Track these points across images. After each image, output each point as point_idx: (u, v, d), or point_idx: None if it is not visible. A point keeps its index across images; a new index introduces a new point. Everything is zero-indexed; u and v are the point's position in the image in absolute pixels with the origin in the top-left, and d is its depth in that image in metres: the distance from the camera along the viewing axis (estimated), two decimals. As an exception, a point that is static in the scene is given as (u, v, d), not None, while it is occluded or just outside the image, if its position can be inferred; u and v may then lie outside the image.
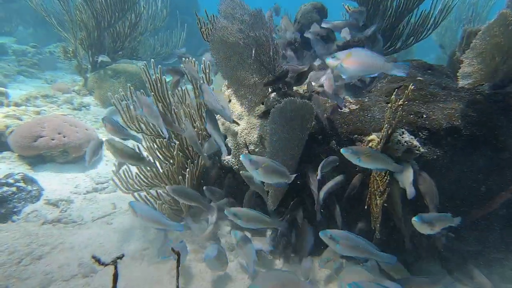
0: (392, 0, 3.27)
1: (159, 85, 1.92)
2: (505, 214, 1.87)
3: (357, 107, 1.99)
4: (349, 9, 3.39)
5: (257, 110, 2.10)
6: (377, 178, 1.61)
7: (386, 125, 1.64)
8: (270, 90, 2.10)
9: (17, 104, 3.79)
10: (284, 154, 1.77)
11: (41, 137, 2.77)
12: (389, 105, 1.62)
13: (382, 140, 1.66)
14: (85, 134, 3.05)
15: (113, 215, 2.11)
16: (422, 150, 1.70)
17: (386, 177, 1.61)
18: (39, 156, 2.82)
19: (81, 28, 4.97)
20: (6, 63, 6.97)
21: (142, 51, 6.75)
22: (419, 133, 1.75)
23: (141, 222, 1.73)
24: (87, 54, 5.22)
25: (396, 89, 2.02)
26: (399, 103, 1.62)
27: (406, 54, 7.39)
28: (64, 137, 2.87)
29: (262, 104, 2.14)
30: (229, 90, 2.15)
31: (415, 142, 1.69)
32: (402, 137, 1.66)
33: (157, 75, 1.91)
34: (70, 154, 2.91)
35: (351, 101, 2.05)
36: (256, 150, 2.04)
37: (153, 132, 1.99)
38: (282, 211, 2.02)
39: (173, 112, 2.05)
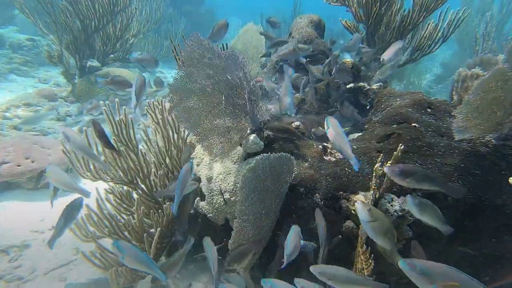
0: (394, 15, 3.00)
1: (123, 128, 1.69)
2: None
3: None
4: (347, 24, 3.12)
5: (234, 154, 1.87)
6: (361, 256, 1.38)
7: (372, 190, 1.41)
8: (248, 131, 1.86)
9: (-9, 120, 3.59)
10: (257, 217, 1.54)
11: (5, 163, 2.57)
12: (374, 169, 1.38)
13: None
14: (59, 157, 2.85)
15: (72, 264, 1.90)
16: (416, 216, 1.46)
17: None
18: (5, 182, 2.63)
19: (66, 32, 4.73)
20: (-3, 61, 6.76)
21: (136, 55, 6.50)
22: (413, 193, 1.52)
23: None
24: (74, 58, 4.99)
25: (388, 136, 1.78)
26: (387, 165, 1.39)
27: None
28: (33, 162, 2.67)
29: (240, 145, 1.91)
30: (194, 138, 1.92)
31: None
32: (391, 205, 1.43)
33: (121, 117, 1.68)
34: (39, 181, 2.71)
35: (339, 147, 1.82)
36: (232, 199, 1.82)
37: (114, 178, 1.77)
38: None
39: (139, 154, 1.83)
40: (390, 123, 1.91)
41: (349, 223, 1.55)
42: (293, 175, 1.69)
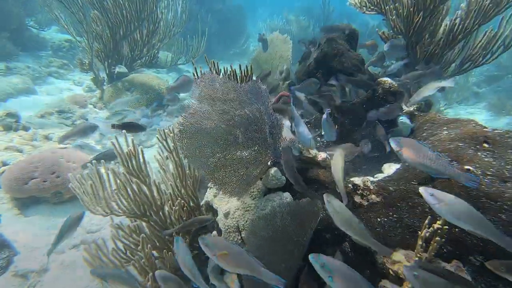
0: (440, 25, 2.65)
1: (133, 161, 1.59)
2: None
3: (379, 199, 1.52)
4: (384, 35, 2.82)
5: (253, 188, 1.70)
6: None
7: (416, 255, 1.17)
8: (269, 163, 1.68)
9: (25, 128, 3.71)
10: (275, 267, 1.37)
11: (33, 178, 2.60)
12: (420, 233, 1.15)
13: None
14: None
15: (89, 291, 1.86)
16: None
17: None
18: (33, 197, 2.67)
19: (97, 40, 4.80)
20: (39, 65, 7.08)
21: (163, 58, 6.52)
22: (470, 257, 1.25)
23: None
24: (103, 65, 5.08)
25: (433, 179, 1.51)
26: (434, 227, 1.15)
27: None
28: (58, 177, 2.68)
29: (261, 179, 1.74)
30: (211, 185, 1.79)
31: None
32: None
33: (130, 148, 1.58)
34: (64, 195, 2.72)
35: (371, 187, 1.58)
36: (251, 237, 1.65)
37: (126, 211, 1.67)
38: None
39: (152, 185, 1.72)
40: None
41: (386, 284, 1.33)
42: (319, 219, 1.49)
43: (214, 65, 2.10)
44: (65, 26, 5.09)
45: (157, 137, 1.71)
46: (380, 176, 1.90)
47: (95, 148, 3.36)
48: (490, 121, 6.12)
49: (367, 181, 1.62)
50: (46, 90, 6.43)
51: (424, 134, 1.97)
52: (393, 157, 2.24)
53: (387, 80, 2.26)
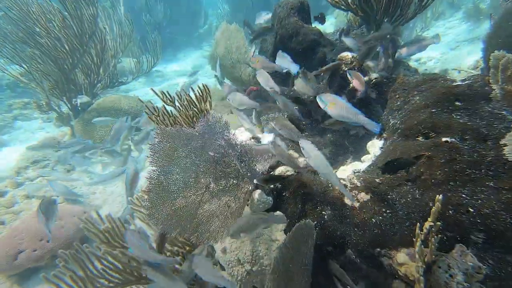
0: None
1: (113, 232, 1.50)
2: None
3: (368, 196, 1.47)
4: (333, 1, 2.62)
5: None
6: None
7: (417, 255, 1.14)
8: (250, 188, 1.61)
9: (1, 194, 3.56)
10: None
11: (21, 252, 2.52)
12: (415, 239, 1.10)
13: (420, 274, 1.16)
14: (73, 225, 2.78)
15: None
16: (484, 271, 1.17)
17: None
18: (28, 269, 2.61)
19: (45, 77, 4.50)
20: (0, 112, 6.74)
21: (127, 66, 6.19)
22: (471, 237, 1.23)
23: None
24: (62, 101, 4.81)
25: (416, 158, 1.45)
26: (427, 226, 1.10)
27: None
28: (48, 241, 2.60)
29: (247, 206, 1.68)
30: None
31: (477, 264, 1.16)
32: (451, 276, 1.14)
33: (106, 225, 1.49)
34: (64, 257, 2.66)
35: (358, 184, 1.52)
36: (254, 269, 1.63)
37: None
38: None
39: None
40: (414, 135, 1.57)
41: (399, 285, 1.31)
42: (314, 236, 1.45)
43: (165, 95, 1.95)
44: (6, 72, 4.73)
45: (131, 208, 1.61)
46: (365, 163, 1.84)
47: (78, 197, 3.27)
48: (472, 31, 5.76)
49: (353, 178, 1.57)
50: (17, 137, 6.17)
51: (398, 103, 1.89)
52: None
53: (347, 54, 2.13)
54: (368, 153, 1.96)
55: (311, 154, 1.35)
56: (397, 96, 1.90)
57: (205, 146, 1.31)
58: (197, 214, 1.32)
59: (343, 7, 2.59)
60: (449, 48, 5.34)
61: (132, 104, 5.12)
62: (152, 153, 1.26)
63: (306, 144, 1.34)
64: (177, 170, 1.28)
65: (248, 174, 1.54)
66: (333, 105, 1.49)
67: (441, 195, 1.09)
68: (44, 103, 4.67)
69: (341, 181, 1.58)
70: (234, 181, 1.46)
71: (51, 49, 4.20)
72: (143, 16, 10.54)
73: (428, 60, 5.07)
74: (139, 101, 5.37)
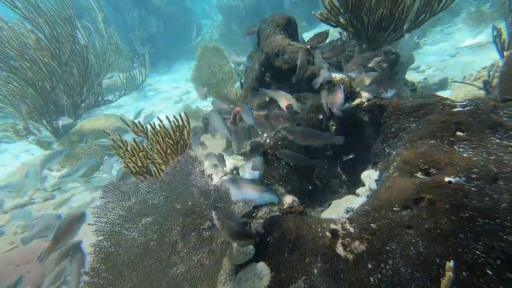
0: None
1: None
2: None
3: (364, 246, 1.27)
4: (322, 17, 2.48)
5: (220, 274, 1.43)
6: None
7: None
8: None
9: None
10: None
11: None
12: None
13: None
14: (40, 269, 2.53)
15: None
16: None
17: None
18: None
19: (22, 101, 4.29)
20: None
21: (119, 80, 6.01)
22: None
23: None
24: (42, 124, 4.59)
25: (416, 201, 1.26)
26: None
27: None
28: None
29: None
30: None
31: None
32: None
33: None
34: (35, 302, 2.41)
35: (351, 230, 1.32)
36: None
37: None
38: None
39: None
40: (412, 170, 1.38)
41: None
42: None
43: (135, 125, 1.75)
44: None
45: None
46: (359, 198, 1.65)
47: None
48: (474, 37, 5.42)
49: (345, 223, 1.37)
50: (2, 162, 5.91)
51: (393, 129, 1.71)
52: (367, 155, 1.99)
53: (336, 76, 1.96)
54: (363, 184, 1.77)
55: None
56: (392, 122, 1.73)
57: (171, 198, 1.11)
58: (162, 286, 1.10)
59: (332, 23, 2.44)
60: (448, 55, 5.11)
61: (107, 123, 4.90)
62: (96, 218, 1.05)
63: None
64: (134, 234, 1.07)
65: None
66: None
67: (452, 261, 0.89)
68: (21, 127, 4.44)
69: (332, 225, 1.39)
70: (207, 233, 1.25)
71: (26, 71, 4.00)
72: (136, 29, 10.44)
73: (427, 68, 4.84)
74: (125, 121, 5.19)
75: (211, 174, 1.31)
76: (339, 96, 1.83)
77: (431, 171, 1.32)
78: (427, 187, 1.25)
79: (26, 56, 3.88)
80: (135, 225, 1.08)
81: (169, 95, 8.54)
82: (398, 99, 1.80)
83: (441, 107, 1.57)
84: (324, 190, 1.97)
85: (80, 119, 5.06)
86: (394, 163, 1.49)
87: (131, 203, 1.07)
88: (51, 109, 4.61)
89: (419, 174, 1.35)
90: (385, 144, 1.73)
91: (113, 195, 1.07)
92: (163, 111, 7.58)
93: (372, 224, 1.31)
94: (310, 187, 1.91)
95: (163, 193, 1.11)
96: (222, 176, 1.72)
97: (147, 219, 1.08)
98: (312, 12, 2.48)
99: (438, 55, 5.21)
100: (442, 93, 3.77)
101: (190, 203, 1.14)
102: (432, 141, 1.41)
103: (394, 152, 1.56)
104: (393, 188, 1.37)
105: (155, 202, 1.08)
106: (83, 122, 4.92)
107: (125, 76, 6.03)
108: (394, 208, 1.31)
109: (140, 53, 6.82)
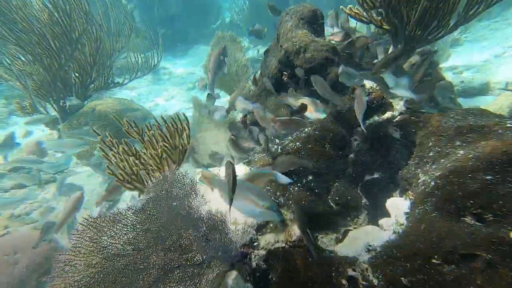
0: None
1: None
2: None
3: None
4: (352, 12, 2.15)
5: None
6: None
7: None
8: (223, 269, 1.16)
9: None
10: None
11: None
12: None
13: None
14: (30, 261, 2.38)
15: None
16: None
17: None
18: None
19: (28, 76, 4.13)
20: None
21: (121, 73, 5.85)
22: None
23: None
24: (48, 103, 4.45)
25: (465, 257, 0.98)
26: None
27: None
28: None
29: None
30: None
31: None
32: None
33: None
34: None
35: (374, 281, 1.06)
36: None
37: None
38: None
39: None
40: (458, 212, 1.10)
41: None
42: None
43: (130, 125, 1.52)
44: None
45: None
46: (384, 233, 1.38)
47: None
48: None
49: (367, 270, 1.11)
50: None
51: (432, 154, 1.42)
52: (394, 178, 1.71)
53: (364, 83, 1.66)
54: (388, 214, 1.49)
55: None
56: (431, 144, 1.43)
57: (150, 230, 0.87)
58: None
59: (364, 19, 2.12)
60: (493, 55, 4.35)
61: (116, 106, 4.70)
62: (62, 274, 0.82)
63: None
64: (101, 276, 0.84)
65: (219, 254, 1.09)
66: None
67: None
68: (27, 104, 4.31)
69: (350, 270, 1.13)
70: (194, 270, 1.01)
71: (34, 46, 3.82)
72: (156, 9, 10.14)
73: (465, 69, 4.19)
74: (133, 106, 5.00)
75: (203, 195, 1.07)
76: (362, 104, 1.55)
77: (486, 217, 1.03)
78: (483, 241, 0.96)
79: (35, 30, 3.70)
80: (105, 268, 0.85)
81: (183, 81, 8.31)
82: (441, 115, 1.50)
83: (500, 131, 1.26)
84: (340, 214, 1.70)
85: (88, 101, 4.90)
86: (433, 198, 1.21)
87: (104, 243, 0.84)
88: (58, 87, 4.45)
89: (468, 219, 1.07)
90: (419, 170, 1.44)
91: (85, 235, 0.84)
92: (175, 97, 7.38)
93: (402, 279, 1.04)
94: (323, 209, 1.65)
95: (143, 226, 0.87)
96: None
97: (120, 260, 0.85)
98: (341, 7, 2.15)
99: (480, 55, 4.47)
100: (482, 100, 3.33)
101: (174, 237, 0.90)
102: (489, 177, 1.12)
103: (433, 183, 1.27)
104: (431, 232, 1.09)
105: (130, 237, 0.85)
106: (90, 103, 4.77)
107: (140, 57, 5.80)
108: (433, 261, 1.03)
109: (156, 34, 6.57)
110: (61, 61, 4.19)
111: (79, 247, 0.83)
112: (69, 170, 4.16)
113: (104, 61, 4.99)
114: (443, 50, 4.59)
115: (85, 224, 0.85)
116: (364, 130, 1.54)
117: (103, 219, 0.85)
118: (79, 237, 0.84)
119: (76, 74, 4.70)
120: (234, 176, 0.96)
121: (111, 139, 1.47)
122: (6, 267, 2.23)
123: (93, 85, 5.07)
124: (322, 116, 1.65)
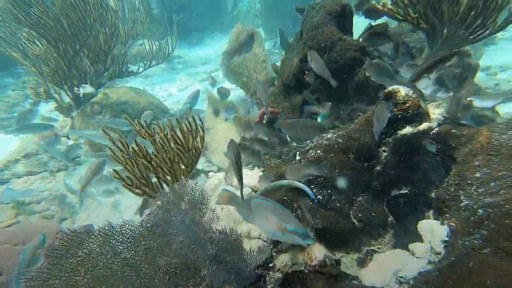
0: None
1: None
2: None
3: None
4: (385, 8, 1.96)
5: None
6: None
7: None
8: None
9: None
10: None
11: None
12: None
13: None
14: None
15: None
16: None
17: None
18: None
19: (44, 62, 4.08)
20: (15, 88, 6.55)
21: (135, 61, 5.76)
22: None
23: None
24: (63, 89, 4.40)
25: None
26: None
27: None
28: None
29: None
30: None
31: None
32: None
33: None
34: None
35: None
36: None
37: None
38: None
39: None
40: (507, 253, 0.93)
41: None
42: None
43: (142, 126, 1.40)
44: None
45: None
46: (416, 261, 1.23)
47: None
48: None
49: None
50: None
51: (479, 175, 1.24)
52: (425, 196, 1.55)
53: (399, 89, 1.48)
54: (420, 239, 1.34)
55: None
56: (477, 163, 1.26)
57: (153, 249, 0.75)
58: None
59: (399, 16, 1.92)
60: None
61: (142, 99, 4.62)
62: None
63: None
64: None
65: (231, 277, 0.97)
66: None
67: None
68: (42, 90, 4.27)
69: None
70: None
71: (50, 30, 3.76)
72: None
73: (500, 70, 3.85)
74: (150, 97, 4.91)
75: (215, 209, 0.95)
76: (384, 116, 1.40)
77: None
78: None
79: (51, 14, 3.62)
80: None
81: (197, 71, 8.15)
82: (490, 130, 1.32)
83: None
84: (363, 231, 1.56)
85: (101, 89, 4.84)
86: (483, 231, 1.04)
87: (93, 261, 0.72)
88: (73, 74, 4.40)
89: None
90: (461, 192, 1.27)
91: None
92: (188, 88, 7.26)
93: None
94: (345, 226, 1.50)
95: (143, 244, 0.75)
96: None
97: (116, 283, 0.74)
98: (373, 2, 1.96)
99: (518, 52, 4.08)
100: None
101: (180, 258, 0.78)
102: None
103: (481, 212, 1.10)
104: (482, 275, 0.93)
105: (127, 257, 0.73)
106: (106, 91, 4.70)
107: (154, 44, 5.67)
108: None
109: (171, 21, 6.41)
110: (76, 47, 4.12)
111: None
112: (80, 159, 4.11)
113: (118, 48, 4.91)
114: (475, 48, 4.27)
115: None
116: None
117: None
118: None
119: (91, 61, 4.63)
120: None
121: (121, 140, 1.35)
122: (15, 257, 2.18)
123: (107, 73, 5.01)
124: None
